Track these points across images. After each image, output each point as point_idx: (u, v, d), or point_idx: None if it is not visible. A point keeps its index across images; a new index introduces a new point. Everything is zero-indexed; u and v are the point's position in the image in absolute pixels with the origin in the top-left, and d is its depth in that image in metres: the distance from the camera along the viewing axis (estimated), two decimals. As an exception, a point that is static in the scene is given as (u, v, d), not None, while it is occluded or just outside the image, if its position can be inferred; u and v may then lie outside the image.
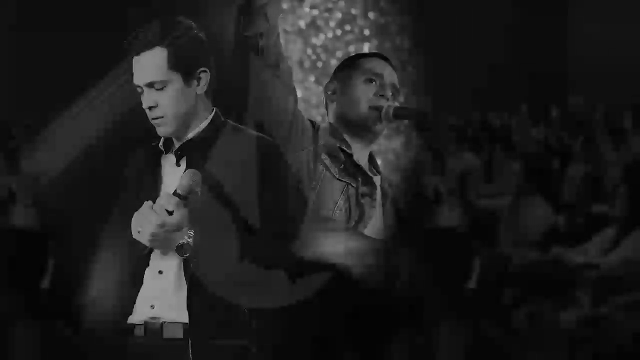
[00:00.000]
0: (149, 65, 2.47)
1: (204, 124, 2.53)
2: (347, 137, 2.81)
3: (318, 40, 7.18)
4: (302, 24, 7.17)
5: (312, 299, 2.52)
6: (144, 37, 2.47)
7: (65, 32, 8.97)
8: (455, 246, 6.75)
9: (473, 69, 11.45)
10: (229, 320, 2.42)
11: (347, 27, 7.27)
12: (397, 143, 7.01)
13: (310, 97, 6.85)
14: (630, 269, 5.45)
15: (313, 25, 7.18)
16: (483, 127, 10.42)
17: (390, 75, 2.84)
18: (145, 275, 2.48)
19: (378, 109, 2.79)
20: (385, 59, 2.90)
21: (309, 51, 7.15)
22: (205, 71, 2.51)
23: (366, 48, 7.17)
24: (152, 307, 2.45)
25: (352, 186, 2.75)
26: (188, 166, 2.46)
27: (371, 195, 2.78)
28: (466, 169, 7.91)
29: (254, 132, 2.55)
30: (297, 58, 7.02)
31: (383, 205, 2.83)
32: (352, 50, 7.05)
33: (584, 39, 11.94)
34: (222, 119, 2.57)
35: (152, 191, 2.48)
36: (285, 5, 6.97)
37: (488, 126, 10.47)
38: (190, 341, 2.41)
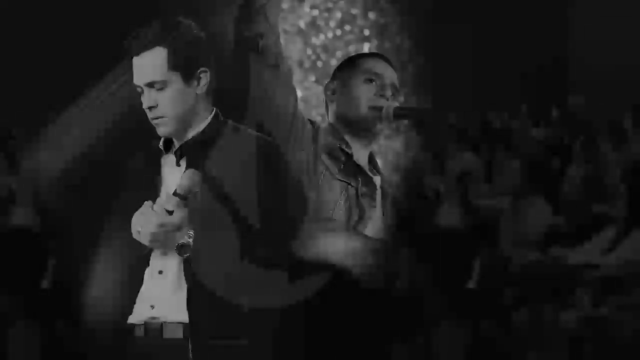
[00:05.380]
0: (149, 65, 2.47)
1: (204, 124, 2.53)
2: (347, 137, 2.81)
3: (318, 40, 7.18)
4: (302, 24, 7.17)
5: (312, 299, 2.52)
6: (144, 37, 2.47)
7: (65, 32, 8.97)
8: (455, 246, 6.75)
9: (473, 68, 11.45)
10: (229, 320, 2.42)
11: (347, 27, 7.27)
12: (397, 143, 7.01)
13: (310, 97, 6.86)
14: (630, 269, 5.45)
15: (313, 25, 7.19)
16: (483, 127, 10.42)
17: (390, 75, 2.84)
18: (145, 275, 2.48)
19: (378, 109, 2.79)
20: (385, 59, 2.90)
21: (309, 51, 7.16)
22: (205, 71, 2.51)
23: (366, 48, 7.18)
24: (152, 307, 2.45)
25: (352, 186, 2.75)
26: (188, 166, 2.46)
27: (371, 195, 2.78)
28: (466, 169, 7.91)
29: (254, 132, 2.55)
30: (297, 58, 7.02)
31: (383, 205, 2.83)
32: (352, 50, 7.06)
33: (584, 39, 11.94)
34: (222, 119, 2.57)
35: (152, 191, 2.48)
36: (285, 5, 6.97)
37: (488, 126, 10.47)
38: (190, 341, 2.41)
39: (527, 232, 6.54)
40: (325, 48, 7.15)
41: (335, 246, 2.60)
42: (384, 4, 7.35)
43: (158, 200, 2.37)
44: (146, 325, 2.46)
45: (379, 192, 2.82)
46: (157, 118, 2.49)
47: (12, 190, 7.15)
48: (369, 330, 2.71)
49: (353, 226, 2.72)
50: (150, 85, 2.47)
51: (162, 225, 2.34)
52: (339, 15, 7.23)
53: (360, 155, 2.82)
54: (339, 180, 2.74)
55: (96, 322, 2.59)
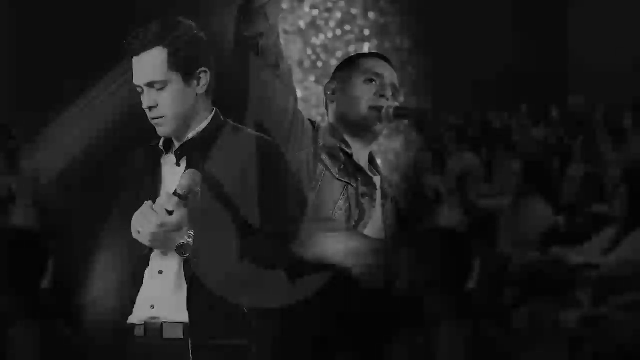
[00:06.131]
0: (149, 65, 2.47)
1: (204, 124, 2.53)
2: (347, 137, 2.81)
3: (318, 40, 7.18)
4: (302, 24, 7.17)
5: (312, 299, 2.52)
6: (144, 37, 2.47)
7: (65, 32, 8.97)
8: (455, 246, 6.74)
9: (473, 69, 11.46)
10: (229, 320, 2.42)
11: (347, 27, 7.27)
12: (397, 143, 7.01)
13: (310, 97, 6.85)
14: (630, 269, 5.44)
15: (313, 25, 7.19)
16: (483, 127, 10.43)
17: (390, 75, 2.84)
18: (145, 275, 2.48)
19: (378, 109, 2.79)
20: (385, 59, 2.90)
21: (309, 51, 7.15)
22: (205, 71, 2.51)
23: (366, 48, 7.17)
24: (152, 307, 2.45)
25: (352, 186, 2.75)
26: (188, 166, 2.46)
27: (371, 195, 2.78)
28: (466, 169, 7.91)
29: (254, 132, 2.55)
30: (297, 58, 7.02)
31: (383, 205, 2.83)
32: (352, 50, 7.05)
33: (584, 39, 11.94)
34: (222, 119, 2.57)
35: (152, 191, 2.48)
36: (285, 5, 6.96)
37: (488, 126, 10.48)
38: (190, 341, 2.41)
39: (527, 232, 6.54)
40: (325, 48, 7.15)
41: (335, 246, 2.59)
42: (384, 4, 7.35)
43: (158, 200, 2.37)
44: (146, 325, 2.46)
45: (379, 192, 2.82)
46: (157, 118, 2.49)
47: (12, 190, 7.15)
48: (369, 330, 2.71)
49: (353, 226, 2.72)
50: (150, 85, 2.47)
51: (162, 225, 2.34)
52: (339, 15, 7.22)
53: (360, 155, 2.82)
54: (339, 180, 2.74)
55: (96, 322, 2.59)
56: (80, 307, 2.58)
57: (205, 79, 2.51)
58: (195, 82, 2.50)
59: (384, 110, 2.78)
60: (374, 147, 2.91)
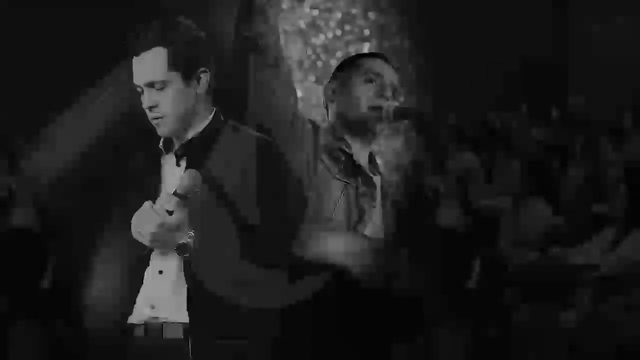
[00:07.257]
0: (149, 65, 2.47)
1: (204, 124, 2.53)
2: (347, 137, 2.81)
3: (318, 40, 7.19)
4: (302, 24, 7.18)
5: (311, 299, 2.52)
6: (144, 37, 2.47)
7: (65, 32, 8.97)
8: (455, 246, 6.75)
9: (473, 69, 11.45)
10: (229, 320, 2.42)
11: (347, 27, 7.28)
12: (397, 143, 7.01)
13: (310, 97, 6.86)
14: (630, 269, 5.45)
15: (313, 25, 7.19)
16: (483, 127, 10.41)
17: (390, 75, 2.84)
18: (145, 275, 2.48)
19: (378, 109, 2.79)
20: (385, 59, 2.90)
21: (309, 51, 7.16)
22: (205, 71, 2.51)
23: (366, 48, 7.18)
24: (152, 307, 2.45)
25: (352, 186, 2.75)
26: (188, 166, 2.46)
27: (371, 195, 2.78)
28: (466, 169, 7.90)
29: (254, 132, 2.55)
30: (297, 58, 7.03)
31: (383, 205, 2.83)
32: (352, 50, 7.06)
33: (584, 38, 11.94)
34: (222, 119, 2.57)
35: (152, 191, 2.48)
36: (285, 5, 6.97)
37: (488, 126, 10.46)
38: (190, 341, 2.41)
39: (527, 232, 6.54)
40: (325, 48, 7.16)
41: (335, 246, 2.60)
42: (384, 4, 7.36)
43: (158, 200, 2.37)
44: (146, 325, 2.46)
45: (378, 192, 2.82)
46: (157, 118, 2.50)
47: (12, 190, 7.16)
48: (369, 330, 2.71)
49: (353, 226, 2.72)
50: (150, 85, 2.47)
51: (162, 225, 2.34)
52: (339, 15, 7.23)
53: (360, 155, 2.82)
54: (339, 180, 2.74)
55: (96, 322, 2.59)
56: (80, 307, 2.58)
57: (205, 79, 2.51)
58: (195, 82, 2.50)
59: (384, 110, 2.78)
60: (374, 147, 2.91)
